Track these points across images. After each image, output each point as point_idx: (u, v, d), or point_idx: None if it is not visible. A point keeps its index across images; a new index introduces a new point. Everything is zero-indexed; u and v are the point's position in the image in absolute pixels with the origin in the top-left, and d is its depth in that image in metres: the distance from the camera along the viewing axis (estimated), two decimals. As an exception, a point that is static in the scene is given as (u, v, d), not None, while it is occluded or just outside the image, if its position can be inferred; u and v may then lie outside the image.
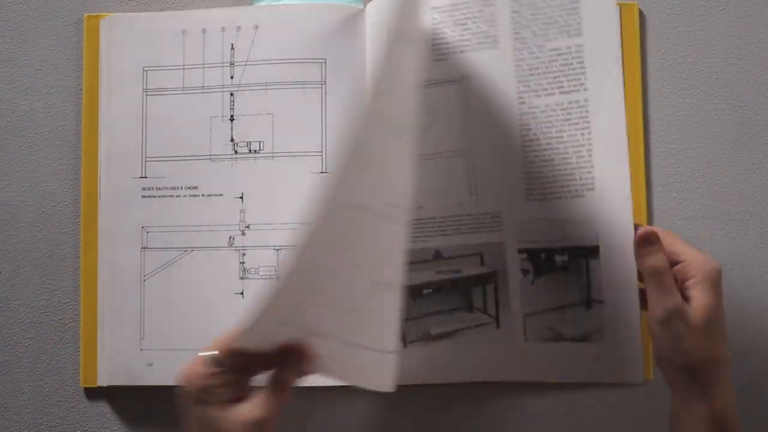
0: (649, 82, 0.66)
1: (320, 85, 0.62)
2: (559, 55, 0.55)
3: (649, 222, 0.64)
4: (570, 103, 0.54)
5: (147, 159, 0.63)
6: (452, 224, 0.57)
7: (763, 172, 0.66)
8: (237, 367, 0.45)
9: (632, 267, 0.54)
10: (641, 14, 0.66)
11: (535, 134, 0.55)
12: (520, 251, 0.56)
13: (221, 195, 0.62)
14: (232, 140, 0.62)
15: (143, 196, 0.63)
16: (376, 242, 0.45)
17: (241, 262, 0.62)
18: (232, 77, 0.63)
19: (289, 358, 0.45)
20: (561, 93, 0.55)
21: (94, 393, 0.64)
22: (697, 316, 0.49)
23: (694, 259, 0.51)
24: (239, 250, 0.62)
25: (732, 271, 0.65)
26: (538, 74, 0.55)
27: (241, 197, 0.62)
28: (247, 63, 0.62)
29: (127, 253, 0.62)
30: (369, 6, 0.62)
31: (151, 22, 0.64)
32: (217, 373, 0.45)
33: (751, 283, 0.65)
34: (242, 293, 0.62)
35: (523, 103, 0.55)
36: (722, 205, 0.66)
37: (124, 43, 0.64)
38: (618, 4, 0.65)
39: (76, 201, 0.65)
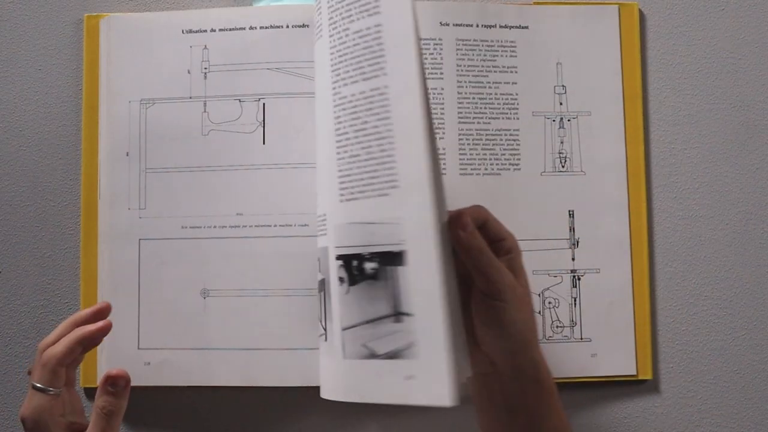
0: (649, 82, 0.66)
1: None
2: (361, 37, 0.49)
3: (650, 223, 0.64)
4: (372, 90, 0.48)
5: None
6: (317, 227, 0.56)
7: (764, 172, 0.66)
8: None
9: (439, 275, 0.46)
10: (641, 14, 0.66)
11: (344, 127, 0.49)
12: (338, 257, 0.50)
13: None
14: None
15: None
16: None
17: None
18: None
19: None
20: (363, 80, 0.48)
21: (94, 393, 0.64)
22: (524, 286, 0.50)
23: (510, 235, 0.51)
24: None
25: (732, 271, 0.65)
26: (345, 61, 0.49)
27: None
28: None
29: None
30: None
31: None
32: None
33: (752, 283, 0.65)
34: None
35: (336, 93, 0.50)
36: (722, 205, 0.65)
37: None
38: (617, 4, 0.65)
39: (76, 201, 0.65)
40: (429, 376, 0.46)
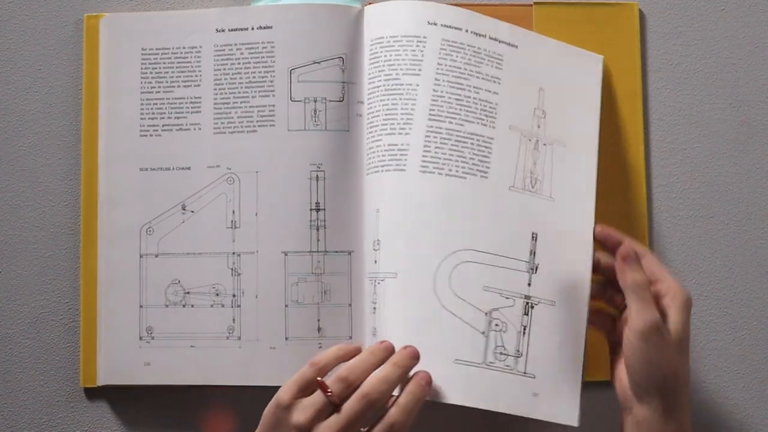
0: (649, 82, 0.66)
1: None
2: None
3: (650, 223, 0.64)
4: None
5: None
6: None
7: (763, 172, 0.66)
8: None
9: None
10: (641, 14, 0.66)
11: None
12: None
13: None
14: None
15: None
16: None
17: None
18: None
19: None
20: None
21: (94, 393, 0.64)
22: (673, 332, 0.52)
23: (671, 284, 0.54)
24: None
25: (732, 271, 0.65)
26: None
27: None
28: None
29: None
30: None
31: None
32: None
33: (752, 283, 0.65)
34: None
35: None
36: (722, 205, 0.65)
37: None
38: (617, 5, 0.65)
39: (76, 201, 0.65)
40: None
